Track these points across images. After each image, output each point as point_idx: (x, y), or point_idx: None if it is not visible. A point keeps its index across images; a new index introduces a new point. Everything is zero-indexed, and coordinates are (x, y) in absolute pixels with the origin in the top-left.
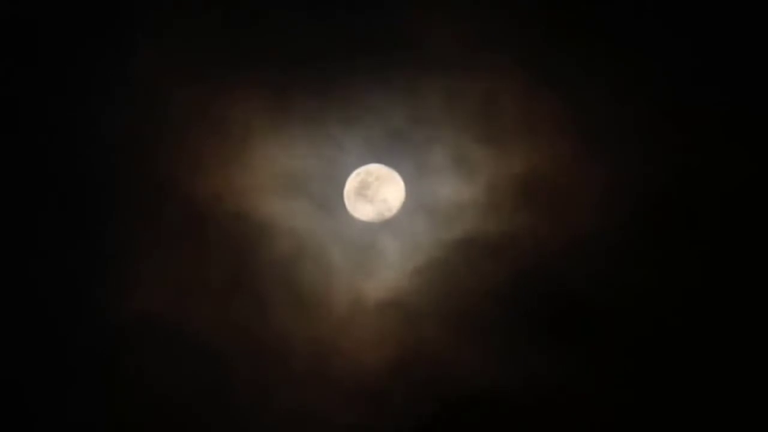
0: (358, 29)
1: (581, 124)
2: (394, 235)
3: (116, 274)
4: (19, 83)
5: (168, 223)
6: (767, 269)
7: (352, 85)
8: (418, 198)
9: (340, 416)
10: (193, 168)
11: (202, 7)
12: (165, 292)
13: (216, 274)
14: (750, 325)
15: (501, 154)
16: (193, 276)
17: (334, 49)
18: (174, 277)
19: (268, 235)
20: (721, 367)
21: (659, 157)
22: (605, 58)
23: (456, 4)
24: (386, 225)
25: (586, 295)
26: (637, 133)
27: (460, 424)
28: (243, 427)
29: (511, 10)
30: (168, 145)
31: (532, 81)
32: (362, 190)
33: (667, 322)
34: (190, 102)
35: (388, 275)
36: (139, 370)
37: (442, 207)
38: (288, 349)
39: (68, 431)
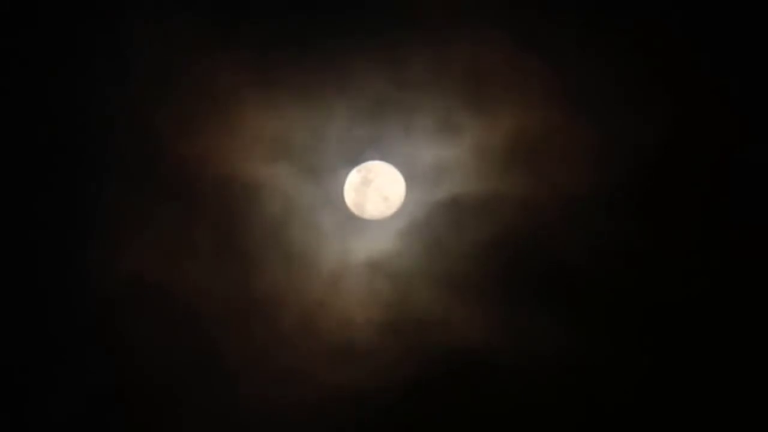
0: None
1: (570, 86)
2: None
3: (104, 238)
4: (20, 49)
5: (156, 187)
6: (763, 232)
7: (339, 50)
8: (406, 162)
9: (328, 376)
10: (182, 132)
11: None
12: (153, 255)
13: (204, 237)
14: (745, 289)
15: (488, 117)
16: (181, 238)
17: (322, 16)
18: (162, 240)
19: (256, 198)
20: (716, 333)
21: (650, 118)
22: (594, 21)
23: None
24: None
25: (574, 256)
26: (627, 94)
27: (448, 383)
28: (232, 388)
29: None
30: (157, 111)
31: (519, 44)
32: (363, 189)
33: (659, 284)
34: (179, 68)
35: (375, 237)
36: (127, 333)
37: (428, 169)
38: (276, 309)
39: (55, 396)
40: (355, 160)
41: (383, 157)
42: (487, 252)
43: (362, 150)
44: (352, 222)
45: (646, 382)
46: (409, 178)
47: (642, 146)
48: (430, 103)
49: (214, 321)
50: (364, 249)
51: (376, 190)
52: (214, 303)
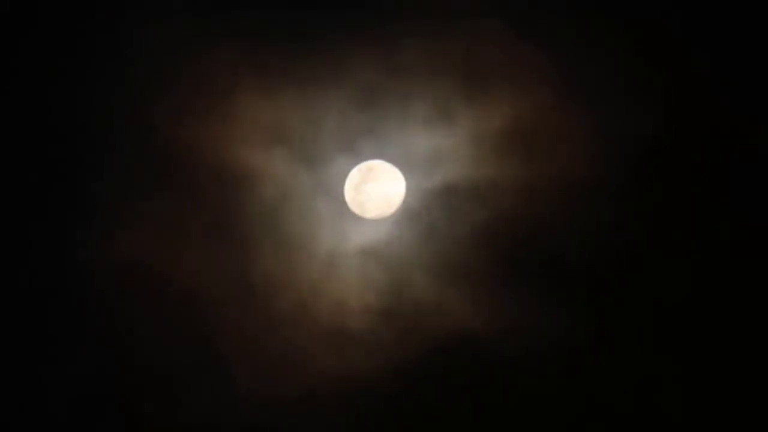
0: None
1: (567, 74)
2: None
3: (99, 221)
4: (20, 49)
5: (153, 175)
6: (762, 217)
7: (335, 39)
8: (402, 150)
9: (324, 362)
10: (179, 121)
11: None
12: (150, 242)
13: (201, 224)
14: (744, 276)
15: (484, 105)
16: (179, 226)
17: (319, 4)
18: (159, 227)
19: (253, 185)
20: (713, 325)
21: (647, 108)
22: (592, 9)
23: None
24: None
25: (570, 244)
26: (625, 84)
27: (443, 369)
28: (227, 373)
29: None
30: (155, 100)
31: (516, 32)
32: (363, 188)
33: (657, 272)
34: (178, 58)
35: (371, 224)
36: (123, 320)
37: (424, 157)
38: (272, 296)
39: (47, 381)
40: (351, 148)
41: (379, 145)
42: (483, 239)
43: (358, 138)
44: (348, 211)
45: (645, 370)
46: (405, 167)
47: (639, 136)
48: (427, 91)
49: (210, 308)
50: (360, 236)
51: (377, 190)
52: (211, 290)
